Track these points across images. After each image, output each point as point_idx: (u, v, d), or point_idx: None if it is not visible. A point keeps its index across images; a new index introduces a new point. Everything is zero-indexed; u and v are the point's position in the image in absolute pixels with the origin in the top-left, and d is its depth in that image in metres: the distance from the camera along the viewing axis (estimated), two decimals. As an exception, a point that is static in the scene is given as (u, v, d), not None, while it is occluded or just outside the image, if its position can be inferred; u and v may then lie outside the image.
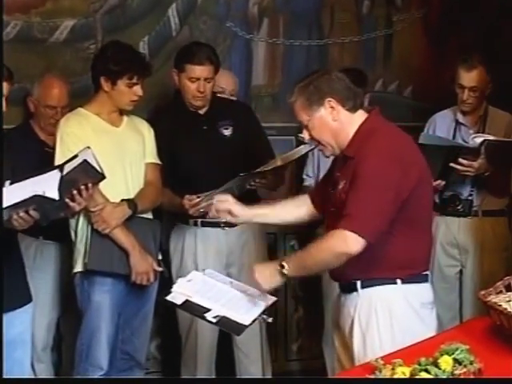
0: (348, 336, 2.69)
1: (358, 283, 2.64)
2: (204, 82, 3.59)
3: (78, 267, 3.35)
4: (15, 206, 2.77)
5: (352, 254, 2.48)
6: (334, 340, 2.81)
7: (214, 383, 3.74)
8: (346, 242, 2.47)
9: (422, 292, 2.67)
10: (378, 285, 2.62)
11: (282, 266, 2.56)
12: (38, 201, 2.79)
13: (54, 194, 2.83)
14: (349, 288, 2.68)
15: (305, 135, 2.69)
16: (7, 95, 2.91)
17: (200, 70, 3.57)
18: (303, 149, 3.48)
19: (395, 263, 2.61)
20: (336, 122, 2.62)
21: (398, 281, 2.62)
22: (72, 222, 3.38)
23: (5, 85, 2.89)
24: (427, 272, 2.71)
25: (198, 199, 3.46)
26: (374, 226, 2.49)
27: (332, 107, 2.62)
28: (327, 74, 2.68)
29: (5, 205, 2.75)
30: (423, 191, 2.62)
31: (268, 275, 2.59)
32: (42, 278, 3.71)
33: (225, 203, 2.81)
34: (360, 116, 2.66)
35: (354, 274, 2.63)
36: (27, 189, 2.79)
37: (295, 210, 2.91)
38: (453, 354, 2.15)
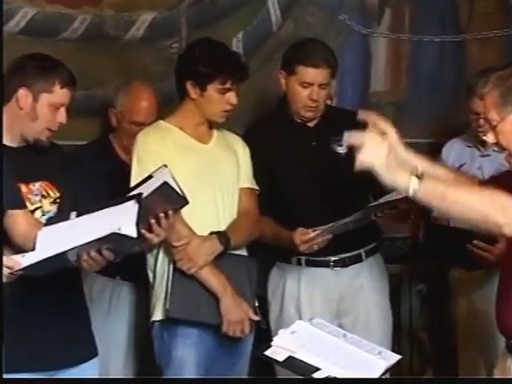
0: None
1: None
2: (318, 89, 3.35)
3: (157, 315, 3.12)
4: (86, 245, 2.58)
5: (501, 230, 2.21)
6: None
7: (214, 383, 3.56)
8: (505, 212, 2.19)
9: None
10: None
11: (419, 176, 2.25)
12: (113, 239, 2.58)
13: (131, 230, 2.59)
14: None
15: (489, 138, 2.41)
16: (69, 105, 2.74)
17: (314, 74, 3.34)
18: None
19: None
20: None
21: None
22: (150, 259, 3.15)
23: (65, 91, 2.72)
24: None
25: (314, 233, 3.23)
26: None
27: None
28: None
29: (71, 242, 2.55)
30: None
31: (388, 159, 2.25)
32: (118, 327, 3.52)
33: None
34: None
35: None
36: (98, 223, 2.60)
37: None
38: None
